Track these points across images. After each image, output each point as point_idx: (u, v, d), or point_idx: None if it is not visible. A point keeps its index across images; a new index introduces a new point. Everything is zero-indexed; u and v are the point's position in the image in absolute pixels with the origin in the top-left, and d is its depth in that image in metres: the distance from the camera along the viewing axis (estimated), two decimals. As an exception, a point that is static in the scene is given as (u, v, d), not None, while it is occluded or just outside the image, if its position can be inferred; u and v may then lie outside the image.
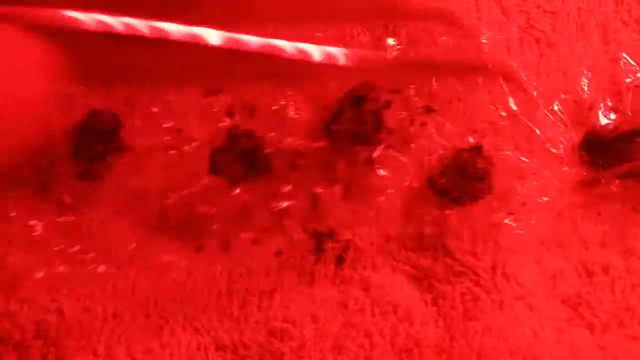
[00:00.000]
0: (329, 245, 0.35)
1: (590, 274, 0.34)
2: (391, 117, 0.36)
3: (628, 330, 0.33)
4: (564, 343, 0.33)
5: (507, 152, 0.36)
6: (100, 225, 0.34)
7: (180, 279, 0.34)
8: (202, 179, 0.34)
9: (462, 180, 0.35)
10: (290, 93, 0.36)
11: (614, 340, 0.33)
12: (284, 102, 0.36)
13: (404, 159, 0.35)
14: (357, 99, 0.35)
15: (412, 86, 0.36)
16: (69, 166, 0.34)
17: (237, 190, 0.34)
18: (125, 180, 0.35)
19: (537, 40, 0.39)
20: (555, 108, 0.37)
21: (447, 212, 0.35)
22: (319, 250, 0.35)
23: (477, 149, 0.35)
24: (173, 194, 0.34)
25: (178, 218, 0.34)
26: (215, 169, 0.34)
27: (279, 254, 0.35)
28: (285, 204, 0.35)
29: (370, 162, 0.35)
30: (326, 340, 0.32)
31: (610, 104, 0.37)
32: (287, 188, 0.35)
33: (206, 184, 0.34)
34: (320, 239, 0.35)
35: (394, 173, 0.35)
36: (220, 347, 0.32)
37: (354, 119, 0.35)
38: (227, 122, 0.35)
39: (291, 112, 0.36)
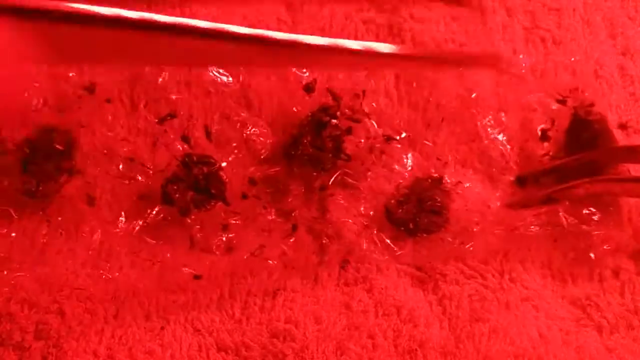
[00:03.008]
0: (334, 247, 0.34)
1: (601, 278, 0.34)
2: (351, 144, 0.36)
3: (636, 333, 0.33)
4: (571, 344, 0.32)
5: (467, 185, 0.36)
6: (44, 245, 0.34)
7: (182, 279, 0.33)
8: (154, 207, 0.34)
9: (419, 212, 0.34)
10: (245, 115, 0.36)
11: (622, 342, 0.32)
12: (243, 125, 0.36)
13: (360, 187, 0.35)
14: (318, 125, 0.35)
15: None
16: (17, 180, 0.34)
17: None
18: (73, 205, 0.34)
19: (543, 39, 0.38)
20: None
21: (401, 243, 0.35)
22: (322, 252, 0.34)
23: (437, 181, 0.35)
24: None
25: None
26: (166, 198, 0.34)
27: (282, 255, 0.34)
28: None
29: (325, 188, 0.35)
30: (329, 341, 0.32)
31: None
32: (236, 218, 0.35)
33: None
34: (324, 241, 0.35)
35: (349, 201, 0.35)
36: (221, 348, 0.32)
37: (314, 144, 0.35)
38: (182, 149, 0.35)
39: (251, 135, 0.36)
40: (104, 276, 0.33)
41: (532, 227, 0.34)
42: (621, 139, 0.37)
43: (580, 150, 0.36)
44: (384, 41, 0.39)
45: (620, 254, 0.35)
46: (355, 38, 0.39)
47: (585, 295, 0.34)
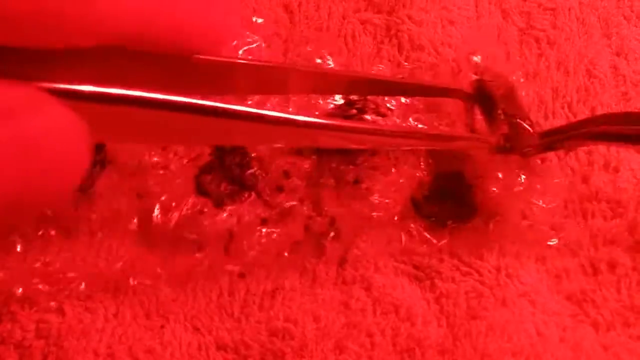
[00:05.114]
0: (332, 245, 0.35)
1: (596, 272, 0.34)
2: None
3: (632, 330, 0.33)
4: (568, 341, 0.32)
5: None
6: (82, 241, 0.34)
7: (182, 278, 0.34)
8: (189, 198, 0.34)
9: (445, 204, 0.35)
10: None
11: (617, 339, 0.33)
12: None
13: (387, 181, 0.35)
14: (345, 119, 0.35)
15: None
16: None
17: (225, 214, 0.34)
18: (108, 199, 0.34)
19: (537, 40, 0.39)
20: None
21: (434, 233, 0.35)
22: (321, 250, 0.35)
23: (459, 175, 0.35)
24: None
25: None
26: (200, 189, 0.34)
27: (280, 253, 0.34)
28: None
29: (357, 182, 0.35)
30: (328, 340, 0.32)
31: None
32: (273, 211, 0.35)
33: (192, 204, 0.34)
34: (322, 239, 0.35)
35: (379, 194, 0.35)
36: (221, 347, 0.32)
37: None
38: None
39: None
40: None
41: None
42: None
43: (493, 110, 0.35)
44: (381, 43, 0.39)
45: (616, 247, 0.35)
46: (353, 38, 0.39)
47: (580, 290, 0.34)
